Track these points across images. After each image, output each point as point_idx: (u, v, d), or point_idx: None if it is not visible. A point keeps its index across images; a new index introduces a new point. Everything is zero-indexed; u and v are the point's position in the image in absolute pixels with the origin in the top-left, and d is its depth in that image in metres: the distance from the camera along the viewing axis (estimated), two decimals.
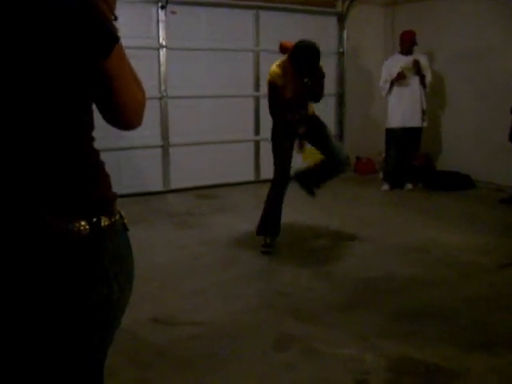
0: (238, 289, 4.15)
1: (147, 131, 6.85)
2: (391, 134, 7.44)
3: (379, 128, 7.82)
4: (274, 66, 4.75)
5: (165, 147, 7.31)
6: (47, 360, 1.34)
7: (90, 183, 1.36)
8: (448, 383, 2.92)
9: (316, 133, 4.92)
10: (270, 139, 4.99)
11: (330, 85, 7.47)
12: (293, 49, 4.65)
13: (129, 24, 6.29)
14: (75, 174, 1.33)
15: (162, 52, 7.11)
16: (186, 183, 7.39)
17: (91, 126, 1.40)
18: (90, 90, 1.32)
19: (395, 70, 7.18)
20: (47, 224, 1.26)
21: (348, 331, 3.44)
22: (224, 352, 3.21)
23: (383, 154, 7.79)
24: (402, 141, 7.34)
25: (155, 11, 6.99)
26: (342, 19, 8.45)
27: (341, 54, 8.54)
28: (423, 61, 7.24)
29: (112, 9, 1.37)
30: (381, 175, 7.85)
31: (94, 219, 1.33)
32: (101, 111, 1.39)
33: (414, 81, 7.23)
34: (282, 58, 4.77)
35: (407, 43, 7.32)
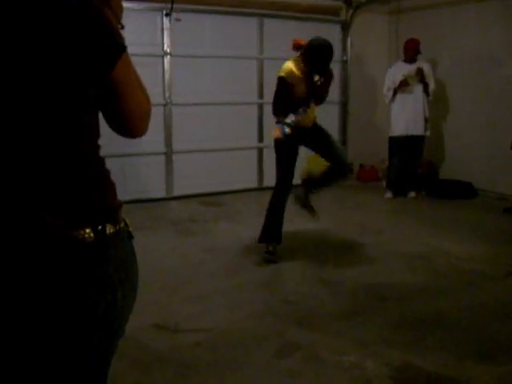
0: (242, 296, 4.15)
1: (151, 138, 6.83)
2: (394, 142, 7.44)
3: (383, 136, 7.82)
4: (287, 62, 4.79)
5: (168, 154, 7.33)
6: (50, 368, 1.33)
7: (95, 190, 1.36)
8: None
9: (319, 140, 4.93)
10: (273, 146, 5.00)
11: (333, 92, 7.47)
12: (307, 46, 4.70)
13: (134, 31, 6.30)
14: (78, 179, 1.33)
15: (167, 59, 7.14)
16: (190, 190, 7.40)
17: (97, 133, 1.39)
18: (93, 94, 1.32)
19: (398, 78, 7.19)
20: (51, 230, 1.26)
21: (351, 339, 3.44)
22: (227, 359, 3.21)
23: (386, 162, 7.80)
24: (405, 149, 7.35)
25: (160, 19, 7.02)
26: (345, 27, 8.48)
27: (344, 62, 8.55)
28: (426, 69, 7.25)
29: (118, 18, 1.38)
30: (384, 183, 7.85)
31: (99, 227, 1.32)
32: (106, 119, 1.39)
33: (418, 88, 7.24)
34: (295, 56, 4.81)
35: (411, 51, 7.33)
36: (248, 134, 7.89)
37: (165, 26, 7.04)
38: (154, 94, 6.64)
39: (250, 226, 5.72)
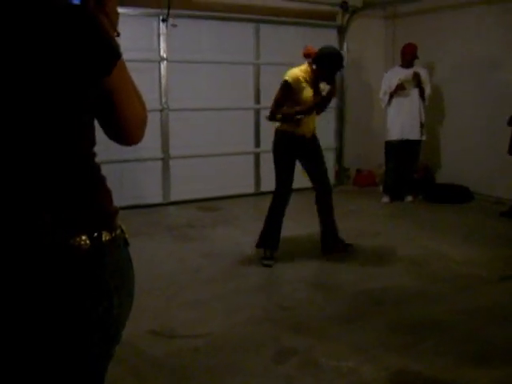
0: (239, 301, 4.15)
1: (148, 143, 6.82)
2: (390, 146, 7.45)
3: (380, 140, 7.81)
4: (294, 69, 4.84)
5: (165, 159, 7.32)
6: (47, 374, 1.33)
7: (91, 197, 1.36)
8: None
9: (313, 159, 5.02)
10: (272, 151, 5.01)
11: None
12: (317, 54, 4.77)
13: (130, 37, 6.31)
14: (77, 180, 1.33)
15: (163, 65, 7.14)
16: (187, 195, 7.39)
17: (92, 141, 1.40)
18: (93, 94, 1.32)
19: (395, 82, 7.20)
20: (48, 238, 1.27)
21: (348, 343, 3.44)
22: (224, 364, 3.21)
23: (383, 167, 7.80)
24: (402, 153, 7.36)
25: (156, 24, 7.02)
26: (342, 32, 8.49)
27: None
28: (423, 74, 7.25)
29: (114, 25, 1.38)
30: (381, 188, 7.86)
31: (95, 234, 1.33)
32: (102, 126, 1.39)
33: (414, 93, 7.25)
34: (302, 65, 4.86)
35: (408, 56, 7.33)
36: (245, 139, 7.88)
37: (161, 32, 7.04)
38: (151, 99, 6.67)
39: (248, 231, 5.72)
